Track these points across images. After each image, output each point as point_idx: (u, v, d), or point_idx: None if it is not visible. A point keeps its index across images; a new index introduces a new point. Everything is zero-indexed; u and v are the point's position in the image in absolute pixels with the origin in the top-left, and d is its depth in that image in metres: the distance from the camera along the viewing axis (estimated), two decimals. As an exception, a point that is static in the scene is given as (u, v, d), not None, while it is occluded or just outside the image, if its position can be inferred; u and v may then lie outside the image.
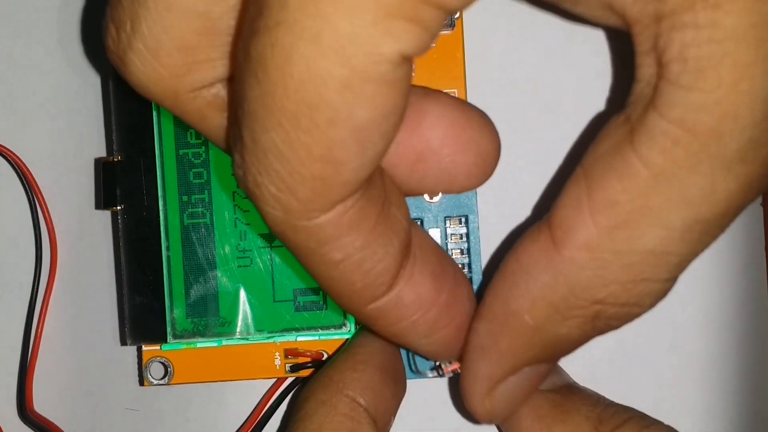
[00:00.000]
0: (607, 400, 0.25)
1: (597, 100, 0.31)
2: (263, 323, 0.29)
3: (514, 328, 0.21)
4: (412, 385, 0.28)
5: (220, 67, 0.20)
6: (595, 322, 0.21)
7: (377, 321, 0.22)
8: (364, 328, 0.27)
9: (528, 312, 0.21)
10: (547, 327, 0.21)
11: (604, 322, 0.21)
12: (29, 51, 0.32)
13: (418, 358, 0.28)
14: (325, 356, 0.29)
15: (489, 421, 0.24)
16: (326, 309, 0.29)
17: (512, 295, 0.21)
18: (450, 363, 0.25)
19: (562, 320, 0.21)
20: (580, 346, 0.22)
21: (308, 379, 0.28)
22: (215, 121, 0.22)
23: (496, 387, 0.23)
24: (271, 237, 0.29)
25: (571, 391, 0.25)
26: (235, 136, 0.19)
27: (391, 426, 0.26)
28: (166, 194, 0.29)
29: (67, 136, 0.32)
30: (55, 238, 0.31)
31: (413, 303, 0.21)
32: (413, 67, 0.17)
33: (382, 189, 0.20)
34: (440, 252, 0.23)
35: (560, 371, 0.26)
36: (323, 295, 0.29)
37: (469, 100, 0.29)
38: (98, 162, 0.31)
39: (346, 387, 0.24)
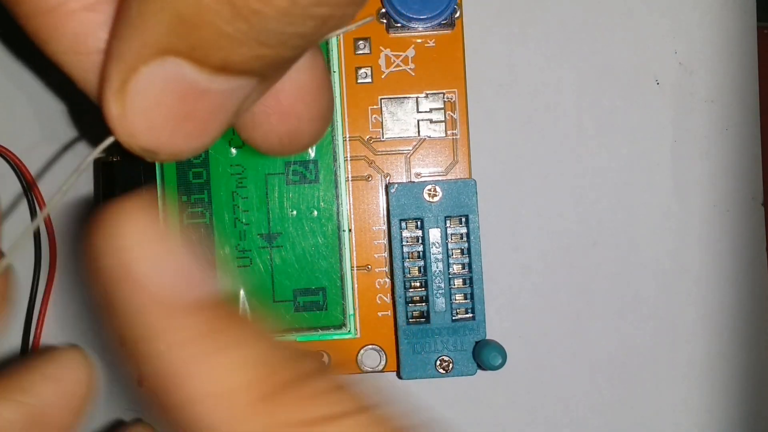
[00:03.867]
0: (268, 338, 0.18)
1: (597, 100, 0.31)
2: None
3: None
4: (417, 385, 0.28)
5: None
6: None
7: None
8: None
9: None
10: None
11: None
12: (29, 51, 0.32)
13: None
14: (325, 357, 0.29)
15: (127, 137, 0.17)
16: (326, 309, 0.29)
17: None
18: None
19: None
20: (229, 43, 0.16)
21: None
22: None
23: (129, 79, 0.17)
24: (271, 237, 0.29)
25: (228, 311, 0.18)
26: None
27: None
28: (165, 194, 0.29)
29: (66, 136, 0.32)
30: (54, 238, 0.31)
31: None
32: None
33: None
34: None
35: (204, 280, 0.19)
36: (323, 295, 0.29)
37: (469, 100, 0.29)
38: (97, 162, 0.31)
39: None
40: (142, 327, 0.17)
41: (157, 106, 0.17)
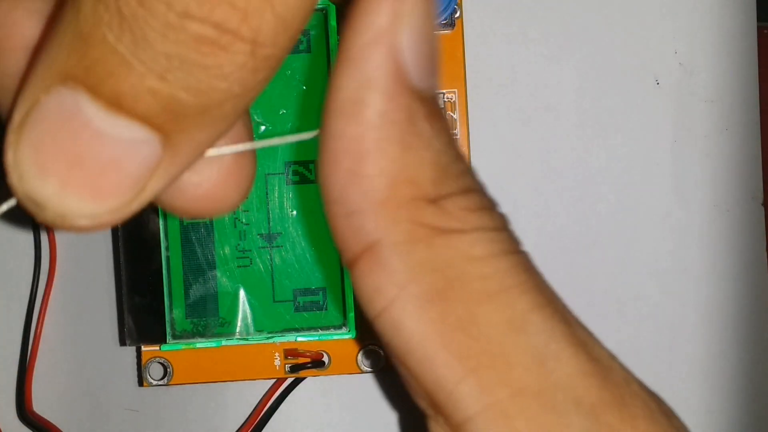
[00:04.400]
0: (458, 147, 0.18)
1: (597, 100, 0.31)
2: (263, 323, 0.29)
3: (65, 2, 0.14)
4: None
5: None
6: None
7: None
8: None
9: None
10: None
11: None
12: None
13: None
14: (325, 357, 0.29)
15: (17, 179, 0.15)
16: (326, 309, 0.29)
17: None
18: None
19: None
20: (119, 65, 0.14)
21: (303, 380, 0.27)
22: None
23: (30, 113, 0.15)
24: (271, 237, 0.29)
25: (436, 110, 0.18)
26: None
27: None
28: (165, 194, 0.29)
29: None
30: (54, 238, 0.31)
31: (5, 22, 0.17)
32: None
33: None
34: None
35: (433, 71, 0.18)
36: (323, 295, 0.29)
37: (469, 100, 0.29)
38: (97, 162, 0.31)
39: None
40: (365, 89, 0.16)
41: (50, 142, 0.15)
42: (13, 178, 0.15)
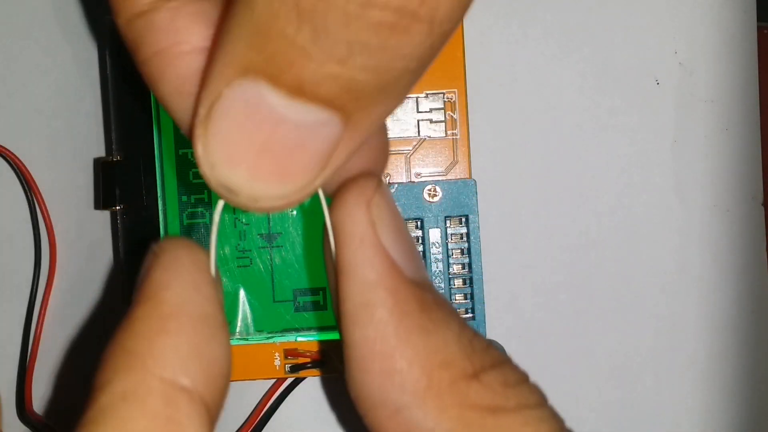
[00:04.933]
0: (468, 327, 0.19)
1: (597, 100, 0.31)
2: (263, 323, 0.29)
3: (234, 2, 0.15)
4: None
5: None
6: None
7: (138, 45, 0.18)
8: (157, 263, 0.18)
9: None
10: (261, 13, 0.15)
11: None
12: (28, 51, 0.32)
13: None
14: (325, 357, 0.29)
15: (209, 168, 0.16)
16: (326, 309, 0.29)
17: None
18: None
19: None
20: (299, 56, 0.15)
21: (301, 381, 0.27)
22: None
23: (213, 106, 0.16)
24: (271, 237, 0.29)
25: (435, 296, 0.19)
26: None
27: (226, 394, 0.17)
28: (165, 194, 0.29)
29: (66, 136, 0.32)
30: (54, 238, 0.31)
31: (172, 28, 0.17)
32: None
33: None
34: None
35: (420, 264, 0.19)
36: (323, 295, 0.29)
37: (469, 100, 0.29)
38: (97, 162, 0.31)
39: (156, 364, 0.16)
40: (369, 291, 0.17)
41: (236, 132, 0.16)
42: (205, 168, 0.16)
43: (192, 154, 0.29)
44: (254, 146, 0.16)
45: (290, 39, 0.14)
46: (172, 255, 0.18)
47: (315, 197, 0.18)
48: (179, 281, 0.17)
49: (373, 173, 0.19)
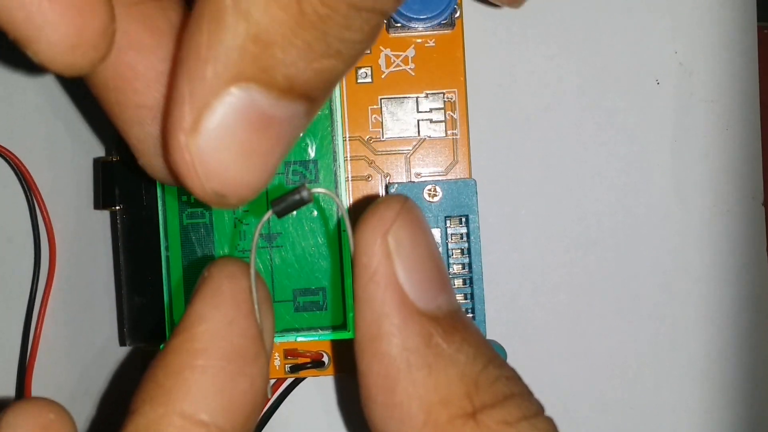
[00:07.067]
0: (491, 352, 0.19)
1: (597, 100, 0.31)
2: (263, 323, 0.29)
3: (215, 14, 0.16)
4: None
5: None
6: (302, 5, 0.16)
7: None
8: (200, 292, 0.19)
9: None
10: (250, 11, 0.16)
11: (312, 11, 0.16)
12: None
13: None
14: (325, 357, 0.29)
15: (205, 179, 0.16)
16: (326, 309, 0.29)
17: None
18: None
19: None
20: (295, 57, 0.16)
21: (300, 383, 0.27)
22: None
23: (202, 117, 0.16)
24: (271, 237, 0.29)
25: (454, 326, 0.19)
26: None
27: (253, 421, 0.19)
28: (165, 194, 0.29)
29: (65, 136, 0.32)
30: (53, 238, 0.31)
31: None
32: None
33: None
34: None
35: (449, 290, 0.20)
36: (323, 295, 0.29)
37: (469, 100, 0.29)
38: (97, 162, 0.31)
39: (179, 398, 0.17)
40: (377, 326, 0.18)
41: (229, 138, 0.16)
42: (196, 179, 0.16)
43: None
44: (246, 150, 0.16)
45: (290, 42, 0.16)
46: (215, 284, 0.19)
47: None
48: (215, 314, 0.18)
49: (400, 195, 0.19)
